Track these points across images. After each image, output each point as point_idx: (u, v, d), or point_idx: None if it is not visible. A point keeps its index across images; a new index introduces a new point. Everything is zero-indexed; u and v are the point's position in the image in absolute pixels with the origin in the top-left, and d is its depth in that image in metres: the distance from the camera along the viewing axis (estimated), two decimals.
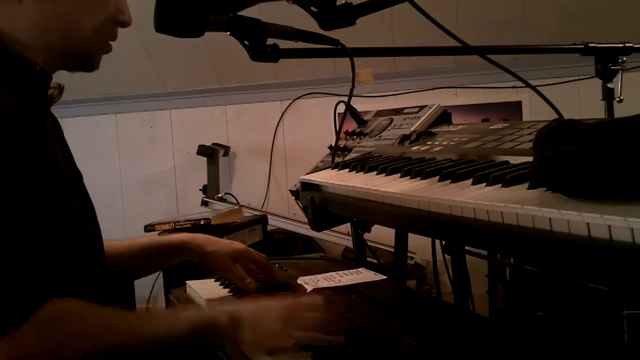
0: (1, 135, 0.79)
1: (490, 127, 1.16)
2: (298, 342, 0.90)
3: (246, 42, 1.10)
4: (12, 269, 0.77)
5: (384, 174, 1.04)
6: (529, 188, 0.70)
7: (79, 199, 1.00)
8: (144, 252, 1.25)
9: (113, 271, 1.13)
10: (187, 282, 1.36)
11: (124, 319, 0.87)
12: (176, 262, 1.33)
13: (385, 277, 1.26)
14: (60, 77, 1.03)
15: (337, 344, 0.89)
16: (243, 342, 0.89)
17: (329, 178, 1.20)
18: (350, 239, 2.01)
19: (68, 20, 0.94)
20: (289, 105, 3.40)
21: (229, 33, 1.07)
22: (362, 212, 1.06)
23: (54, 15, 0.93)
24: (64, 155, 1.01)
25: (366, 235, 1.60)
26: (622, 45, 1.47)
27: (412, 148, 1.22)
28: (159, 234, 2.57)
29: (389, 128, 1.66)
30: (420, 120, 1.56)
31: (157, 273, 2.01)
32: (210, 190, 3.27)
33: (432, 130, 1.35)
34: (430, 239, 1.48)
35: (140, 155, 3.59)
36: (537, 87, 1.18)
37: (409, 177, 0.96)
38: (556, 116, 1.10)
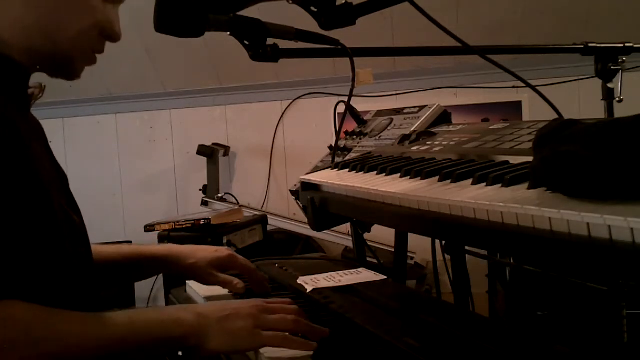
0: None
1: (490, 127, 1.15)
2: (267, 343, 0.88)
3: (246, 42, 1.10)
4: None
5: (384, 174, 1.04)
6: (529, 188, 0.70)
7: (63, 195, 0.98)
8: (125, 261, 1.22)
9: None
10: (187, 282, 1.36)
11: (82, 323, 0.82)
12: (159, 274, 1.31)
13: (385, 277, 1.26)
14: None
15: (307, 350, 0.87)
16: (210, 342, 0.86)
17: (329, 178, 1.20)
18: (350, 239, 2.02)
19: (52, 21, 0.93)
20: (289, 105, 3.40)
21: (229, 33, 1.07)
22: (362, 212, 1.06)
23: (39, 14, 0.92)
24: (45, 155, 0.99)
25: (366, 235, 1.60)
26: (622, 45, 1.47)
27: (412, 148, 1.22)
28: (158, 234, 2.58)
29: (389, 128, 1.66)
30: (420, 120, 1.56)
31: None
32: (210, 190, 3.27)
33: (432, 130, 1.35)
34: (430, 239, 1.48)
35: (140, 155, 3.59)
36: (537, 87, 1.18)
37: (409, 177, 0.96)
38: (556, 116, 1.10)
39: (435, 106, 1.61)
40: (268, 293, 1.22)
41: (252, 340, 0.87)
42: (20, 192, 0.82)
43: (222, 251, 1.25)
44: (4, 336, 0.74)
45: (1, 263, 0.78)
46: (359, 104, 1.83)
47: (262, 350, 0.89)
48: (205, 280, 1.22)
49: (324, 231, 2.14)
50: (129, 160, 3.61)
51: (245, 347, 0.88)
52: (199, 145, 3.29)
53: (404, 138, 1.34)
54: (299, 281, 1.25)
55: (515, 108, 3.05)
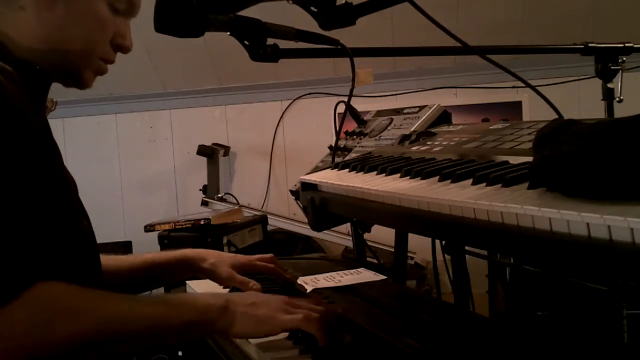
0: (17, 128, 0.81)
1: (490, 127, 1.15)
2: (286, 325, 0.91)
3: (246, 42, 1.10)
4: (6, 246, 0.76)
5: (384, 174, 1.04)
6: (528, 188, 0.70)
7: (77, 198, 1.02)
8: (146, 268, 1.25)
9: (114, 286, 1.12)
10: (187, 282, 1.36)
11: (119, 300, 0.87)
12: (180, 278, 1.33)
13: (385, 277, 1.26)
14: None
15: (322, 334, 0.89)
16: (235, 326, 0.90)
17: (329, 178, 1.20)
18: (350, 239, 2.01)
19: (62, 34, 0.95)
20: (289, 105, 3.40)
21: (229, 33, 1.08)
22: (362, 212, 1.06)
23: (50, 26, 0.94)
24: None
25: (366, 235, 1.60)
26: (622, 45, 1.47)
27: (412, 148, 1.22)
28: (158, 234, 2.57)
29: (389, 128, 1.66)
30: (420, 120, 1.56)
31: None
32: (210, 190, 3.27)
33: (432, 130, 1.35)
34: (430, 239, 1.48)
35: (140, 155, 3.59)
36: (537, 87, 1.18)
37: (409, 177, 0.96)
38: (556, 116, 1.10)
39: (435, 106, 1.61)
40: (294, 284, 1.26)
41: (273, 324, 0.91)
42: (52, 183, 0.87)
43: (240, 257, 1.30)
44: (51, 313, 0.78)
45: (39, 246, 0.81)
46: (359, 104, 1.83)
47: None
48: (223, 281, 1.25)
49: (324, 231, 2.14)
50: (129, 160, 3.61)
51: (267, 331, 0.92)
52: (199, 145, 3.29)
53: (404, 138, 1.34)
54: (299, 281, 1.25)
55: (515, 108, 3.05)
